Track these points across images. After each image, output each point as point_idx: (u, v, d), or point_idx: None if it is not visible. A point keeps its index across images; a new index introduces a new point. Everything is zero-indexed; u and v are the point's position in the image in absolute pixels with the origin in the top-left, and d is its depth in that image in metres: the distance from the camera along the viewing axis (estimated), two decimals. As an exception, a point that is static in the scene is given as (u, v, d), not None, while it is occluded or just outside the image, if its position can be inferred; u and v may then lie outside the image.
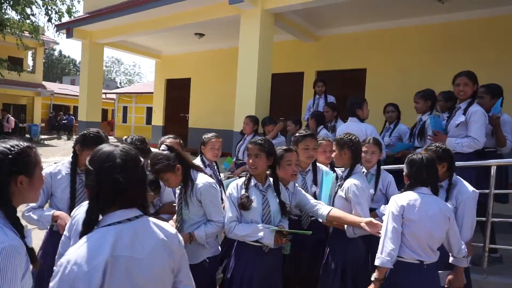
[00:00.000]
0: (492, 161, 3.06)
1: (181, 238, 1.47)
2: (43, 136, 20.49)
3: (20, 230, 1.28)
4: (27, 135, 19.76)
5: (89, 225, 1.30)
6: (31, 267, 1.30)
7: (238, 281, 2.33)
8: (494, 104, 3.38)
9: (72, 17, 11.75)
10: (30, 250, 1.29)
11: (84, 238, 1.26)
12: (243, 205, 2.33)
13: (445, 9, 6.13)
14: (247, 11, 5.96)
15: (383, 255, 2.12)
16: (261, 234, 2.25)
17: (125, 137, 2.66)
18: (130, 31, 8.18)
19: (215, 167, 3.57)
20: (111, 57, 57.01)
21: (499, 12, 6.00)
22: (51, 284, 1.21)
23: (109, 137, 2.64)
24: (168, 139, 3.24)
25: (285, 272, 2.62)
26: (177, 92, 11.24)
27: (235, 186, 2.43)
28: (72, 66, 55.89)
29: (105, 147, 1.36)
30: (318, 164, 2.94)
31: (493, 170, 2.97)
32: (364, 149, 2.98)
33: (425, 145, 3.72)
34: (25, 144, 1.37)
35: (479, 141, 3.12)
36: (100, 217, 1.33)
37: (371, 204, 2.87)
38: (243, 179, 2.47)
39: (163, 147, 2.42)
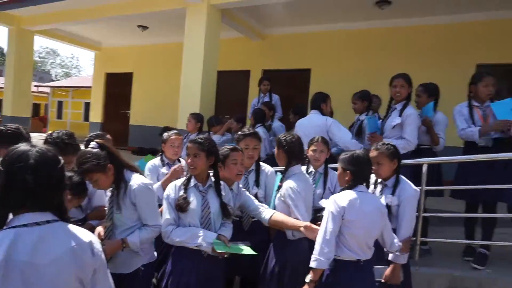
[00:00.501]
0: (423, 159, 3.24)
1: (98, 246, 1.32)
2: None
3: None
4: None
5: None
6: None
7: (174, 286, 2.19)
8: (409, 94, 3.48)
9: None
10: None
11: None
12: (180, 206, 2.19)
13: (385, 15, 6.46)
14: (193, 4, 5.79)
15: (320, 257, 2.10)
16: (199, 240, 2.14)
17: (50, 132, 2.39)
18: (65, 18, 7.57)
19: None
20: (46, 47, 52.70)
21: (433, 21, 6.45)
22: None
23: (42, 134, 2.37)
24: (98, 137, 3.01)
25: (227, 275, 2.52)
26: (118, 87, 10.66)
27: (173, 186, 2.29)
28: (-1, 56, 50.95)
29: (20, 147, 1.27)
30: (262, 164, 2.89)
31: (424, 168, 3.14)
32: (312, 147, 2.99)
33: (363, 143, 3.90)
34: None
35: (412, 143, 3.29)
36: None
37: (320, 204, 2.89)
38: (182, 179, 2.35)
39: (92, 144, 2.20)
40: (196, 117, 4.92)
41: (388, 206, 2.47)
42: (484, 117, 3.36)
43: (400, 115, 3.38)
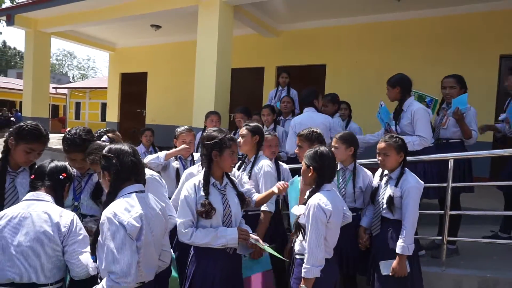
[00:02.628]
0: (449, 154, 3.08)
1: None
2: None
3: None
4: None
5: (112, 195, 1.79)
6: None
7: (199, 285, 2.14)
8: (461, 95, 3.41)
9: (14, 3, 10.83)
10: None
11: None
12: (207, 213, 2.11)
13: (402, 7, 6.25)
14: (205, 2, 5.73)
15: (313, 265, 2.08)
16: (224, 240, 2.10)
17: (69, 128, 2.38)
18: (80, 20, 7.62)
19: (190, 161, 3.36)
20: (63, 50, 53.83)
21: (450, 11, 6.22)
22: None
23: (61, 134, 2.40)
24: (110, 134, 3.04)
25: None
26: (133, 87, 10.72)
27: (191, 186, 2.20)
28: (18, 59, 52.15)
29: (114, 143, 1.94)
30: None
31: (450, 163, 2.99)
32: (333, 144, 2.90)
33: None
34: None
35: (427, 138, 3.19)
36: None
37: (353, 204, 2.83)
38: (200, 176, 2.26)
39: (104, 138, 2.19)
40: (218, 117, 4.72)
41: (391, 198, 2.54)
42: None
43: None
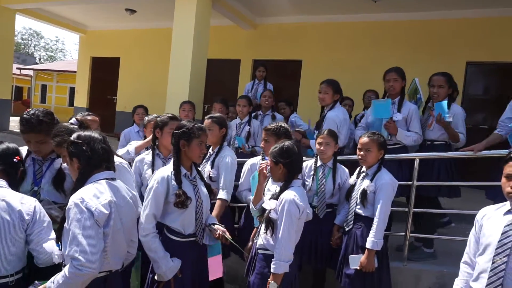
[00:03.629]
0: (415, 154, 3.20)
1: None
2: None
3: None
4: None
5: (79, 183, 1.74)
6: None
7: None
8: (402, 88, 3.38)
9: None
10: None
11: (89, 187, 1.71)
12: (182, 203, 2.08)
13: (378, 9, 6.38)
14: (183, -12, 5.60)
15: (284, 260, 2.10)
16: (163, 268, 2.07)
17: (28, 109, 2.25)
18: (49, -2, 7.26)
19: None
20: (29, 29, 50.99)
21: (424, 16, 6.41)
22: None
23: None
24: (90, 116, 2.94)
25: None
26: (104, 72, 10.35)
27: (160, 178, 2.13)
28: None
29: (83, 130, 1.87)
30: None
31: (416, 163, 3.08)
32: (318, 140, 2.92)
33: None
34: None
35: (421, 136, 3.33)
36: None
37: (330, 199, 2.91)
38: (169, 168, 2.21)
39: (72, 120, 2.09)
40: (191, 106, 4.66)
41: (365, 191, 2.61)
42: None
43: (398, 111, 3.33)
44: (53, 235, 1.82)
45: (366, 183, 2.63)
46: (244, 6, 7.04)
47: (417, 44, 6.50)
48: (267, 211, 2.21)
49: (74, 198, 1.63)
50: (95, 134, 1.81)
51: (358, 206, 2.68)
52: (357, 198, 2.68)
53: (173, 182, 2.13)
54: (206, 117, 3.01)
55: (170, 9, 5.89)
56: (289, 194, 2.14)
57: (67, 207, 1.64)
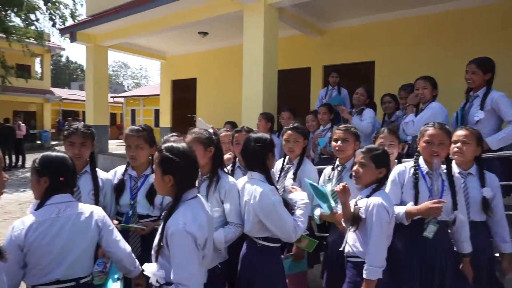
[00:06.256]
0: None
1: None
2: (53, 142, 20.66)
3: None
4: (38, 142, 19.94)
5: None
6: None
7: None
8: (486, 81, 3.14)
9: (75, 21, 11.75)
10: None
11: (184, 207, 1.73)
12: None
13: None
14: (249, 6, 5.83)
15: (376, 266, 2.06)
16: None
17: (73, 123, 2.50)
18: (133, 32, 8.11)
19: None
20: (118, 61, 57.27)
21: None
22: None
23: (119, 140, 2.62)
24: (172, 137, 3.15)
25: None
26: (184, 93, 11.15)
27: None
28: (80, 72, 56.37)
29: (179, 143, 1.83)
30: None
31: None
32: (380, 140, 2.73)
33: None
34: None
35: None
36: None
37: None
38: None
39: (210, 129, 2.41)
40: (266, 117, 4.84)
41: (486, 199, 2.38)
42: None
43: (481, 108, 3.04)
44: (118, 235, 1.99)
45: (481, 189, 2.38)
46: (309, 14, 7.05)
47: (496, 30, 5.83)
48: (355, 209, 2.18)
49: (176, 223, 1.65)
50: (189, 152, 1.80)
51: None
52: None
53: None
54: (287, 128, 2.92)
55: (239, 27, 6.16)
56: (377, 198, 2.11)
57: (170, 232, 1.65)
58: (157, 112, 17.45)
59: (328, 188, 2.58)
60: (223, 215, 2.27)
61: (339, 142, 2.62)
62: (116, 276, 2.03)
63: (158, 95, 12.65)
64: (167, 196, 1.89)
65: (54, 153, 1.91)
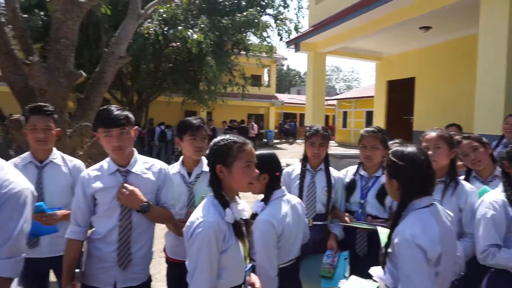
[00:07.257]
0: None
1: None
2: (275, 141, 23.80)
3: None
4: (264, 140, 23.40)
5: None
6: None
7: None
8: None
9: (299, 33, 13.04)
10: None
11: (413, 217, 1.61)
12: None
13: None
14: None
15: None
16: None
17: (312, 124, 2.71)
18: (351, 36, 8.32)
19: None
20: (331, 66, 60.17)
21: None
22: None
23: (330, 141, 2.84)
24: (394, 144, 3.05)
25: None
26: (399, 93, 10.58)
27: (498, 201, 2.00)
28: (297, 78, 62.43)
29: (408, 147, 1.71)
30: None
31: None
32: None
33: None
34: (232, 139, 1.64)
35: None
36: None
37: None
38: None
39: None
40: None
41: None
42: None
43: None
44: None
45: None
46: None
47: None
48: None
49: (402, 233, 1.57)
50: (417, 156, 1.66)
51: None
52: None
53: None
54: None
55: (470, 16, 5.35)
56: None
57: (396, 241, 1.59)
58: (368, 113, 17.33)
59: None
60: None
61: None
62: (345, 274, 2.13)
63: (370, 96, 12.53)
64: (397, 201, 1.81)
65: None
